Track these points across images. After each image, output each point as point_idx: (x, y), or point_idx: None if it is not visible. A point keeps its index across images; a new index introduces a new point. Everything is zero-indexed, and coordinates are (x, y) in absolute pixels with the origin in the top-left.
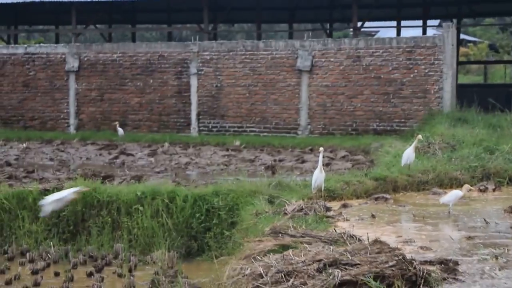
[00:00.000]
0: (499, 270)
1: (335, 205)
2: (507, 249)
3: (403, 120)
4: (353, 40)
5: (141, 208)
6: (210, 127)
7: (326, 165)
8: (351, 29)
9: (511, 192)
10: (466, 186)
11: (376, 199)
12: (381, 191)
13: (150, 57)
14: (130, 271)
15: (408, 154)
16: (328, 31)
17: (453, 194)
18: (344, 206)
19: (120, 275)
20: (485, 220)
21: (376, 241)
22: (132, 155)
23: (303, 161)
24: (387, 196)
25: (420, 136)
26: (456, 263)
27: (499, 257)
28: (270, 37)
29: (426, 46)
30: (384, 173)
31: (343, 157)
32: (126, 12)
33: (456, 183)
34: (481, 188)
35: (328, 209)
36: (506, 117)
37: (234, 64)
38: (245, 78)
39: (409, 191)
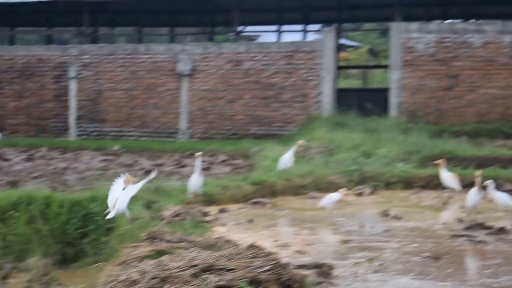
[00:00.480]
0: (373, 273)
1: (213, 210)
2: (381, 253)
3: (282, 124)
4: (233, 45)
5: (16, 214)
6: (89, 131)
7: (205, 169)
8: (233, 33)
9: (387, 196)
10: (342, 189)
11: (254, 203)
12: (259, 195)
13: (29, 61)
14: (3, 278)
15: (286, 159)
16: (209, 36)
17: (330, 197)
18: (222, 211)
19: None
20: (361, 223)
21: (252, 246)
22: (9, 160)
23: (183, 166)
24: (265, 200)
25: (301, 142)
26: (331, 267)
27: (373, 261)
28: (152, 40)
29: (306, 51)
30: (263, 177)
31: (223, 161)
32: (4, 14)
33: (334, 187)
34: (357, 192)
35: (205, 214)
36: (384, 121)
37: (114, 68)
38: (125, 82)
39: (287, 196)
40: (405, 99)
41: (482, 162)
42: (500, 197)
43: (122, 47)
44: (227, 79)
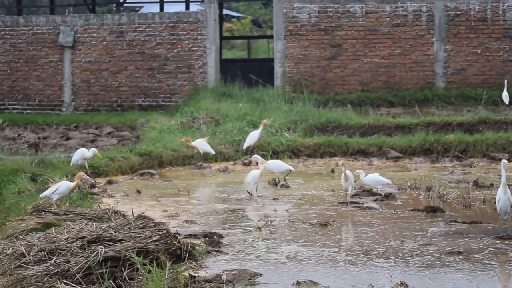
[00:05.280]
0: (262, 241)
1: (100, 181)
2: (270, 221)
3: (168, 95)
4: (115, 16)
5: None
6: None
7: (91, 141)
8: (114, 5)
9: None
10: (256, 157)
11: (142, 174)
12: (146, 166)
13: None
14: None
15: (254, 135)
16: (91, 7)
17: (252, 175)
18: (110, 182)
19: None
20: (248, 192)
21: (141, 216)
22: None
23: (68, 138)
24: (153, 171)
25: (267, 121)
26: (221, 235)
27: (262, 229)
28: (32, 12)
29: (189, 22)
30: (149, 148)
31: (109, 133)
32: None
33: (221, 157)
34: (245, 162)
35: (93, 185)
36: (269, 91)
37: None
38: (6, 55)
39: (175, 166)
40: (290, 68)
41: (367, 130)
42: None
43: (1, 19)
44: (110, 51)
